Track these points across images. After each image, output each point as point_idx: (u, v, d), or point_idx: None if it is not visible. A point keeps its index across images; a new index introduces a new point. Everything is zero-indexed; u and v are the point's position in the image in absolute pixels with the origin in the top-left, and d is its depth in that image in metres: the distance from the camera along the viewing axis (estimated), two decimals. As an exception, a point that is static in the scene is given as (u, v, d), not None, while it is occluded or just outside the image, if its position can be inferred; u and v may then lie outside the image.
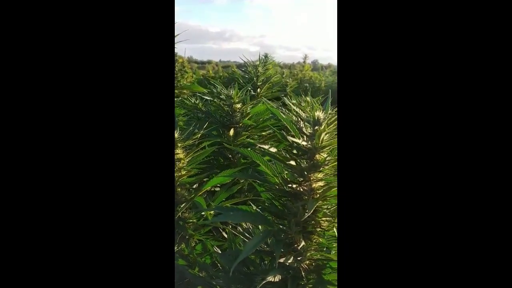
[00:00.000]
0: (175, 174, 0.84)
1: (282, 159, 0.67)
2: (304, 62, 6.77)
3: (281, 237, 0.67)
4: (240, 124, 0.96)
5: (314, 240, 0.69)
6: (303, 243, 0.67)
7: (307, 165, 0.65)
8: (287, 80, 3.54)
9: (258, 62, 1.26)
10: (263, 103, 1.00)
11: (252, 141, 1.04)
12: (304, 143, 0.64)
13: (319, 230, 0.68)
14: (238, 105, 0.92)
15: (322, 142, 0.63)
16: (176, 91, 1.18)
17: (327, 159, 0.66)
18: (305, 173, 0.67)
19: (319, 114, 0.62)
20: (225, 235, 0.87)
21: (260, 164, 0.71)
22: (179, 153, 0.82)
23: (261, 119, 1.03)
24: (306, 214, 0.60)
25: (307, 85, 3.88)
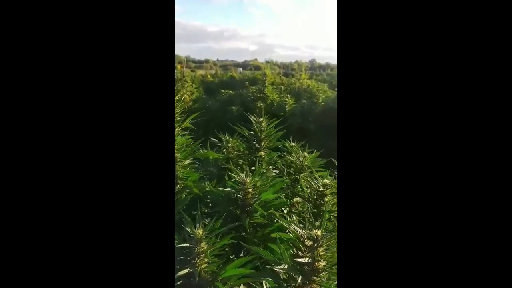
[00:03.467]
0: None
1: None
2: (302, 71, 6.82)
3: None
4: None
5: None
6: None
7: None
8: (286, 98, 3.62)
9: (262, 118, 1.36)
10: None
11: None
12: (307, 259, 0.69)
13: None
14: (251, 189, 0.92)
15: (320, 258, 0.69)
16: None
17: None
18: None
19: (318, 233, 0.69)
20: None
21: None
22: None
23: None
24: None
25: (305, 101, 3.96)
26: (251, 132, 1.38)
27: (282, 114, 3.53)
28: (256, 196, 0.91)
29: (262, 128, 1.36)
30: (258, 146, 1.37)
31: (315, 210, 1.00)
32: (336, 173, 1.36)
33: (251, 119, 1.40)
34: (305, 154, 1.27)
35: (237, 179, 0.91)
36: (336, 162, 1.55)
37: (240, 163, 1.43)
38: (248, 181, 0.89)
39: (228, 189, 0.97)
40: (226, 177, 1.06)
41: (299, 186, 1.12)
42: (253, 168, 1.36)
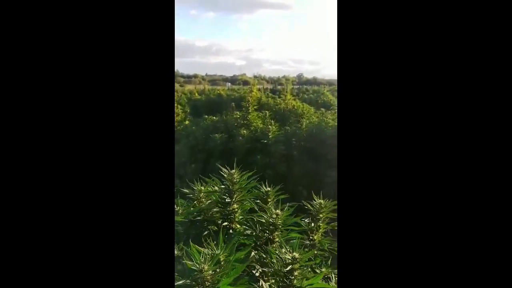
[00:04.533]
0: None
1: None
2: (286, 91, 6.89)
3: None
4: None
5: None
6: None
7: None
8: (269, 125, 3.60)
9: (234, 170, 1.31)
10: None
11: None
12: None
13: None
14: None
15: None
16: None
17: None
18: None
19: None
20: None
21: None
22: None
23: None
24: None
25: (288, 128, 3.95)
26: (222, 187, 1.33)
27: (265, 141, 3.50)
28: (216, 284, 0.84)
29: (235, 181, 1.31)
30: (230, 200, 1.31)
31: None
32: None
33: (223, 171, 1.35)
34: (278, 211, 1.22)
35: (195, 265, 0.84)
36: (307, 205, 1.53)
37: (215, 216, 1.36)
38: (206, 268, 0.83)
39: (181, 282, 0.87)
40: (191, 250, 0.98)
41: (269, 258, 1.06)
42: (225, 223, 1.30)
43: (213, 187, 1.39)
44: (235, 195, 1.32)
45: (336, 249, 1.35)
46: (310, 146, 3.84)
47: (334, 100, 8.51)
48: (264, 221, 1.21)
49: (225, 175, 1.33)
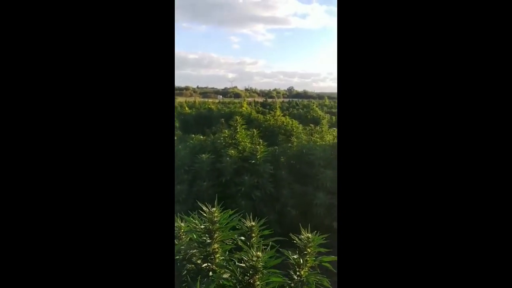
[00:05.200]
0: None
1: None
2: (276, 108, 6.94)
3: None
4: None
5: None
6: None
7: None
8: (257, 145, 3.58)
9: (214, 208, 1.27)
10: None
11: None
12: None
13: None
14: None
15: None
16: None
17: None
18: None
19: None
20: None
21: None
22: None
23: None
24: None
25: (277, 147, 3.94)
26: (202, 227, 1.28)
27: (253, 161, 3.47)
28: None
29: (215, 219, 1.26)
30: (210, 241, 1.26)
31: None
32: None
33: (203, 209, 1.30)
34: (259, 254, 1.18)
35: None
36: (294, 239, 1.49)
37: (195, 256, 1.30)
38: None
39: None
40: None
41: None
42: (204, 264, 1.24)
43: (194, 225, 1.34)
44: (216, 235, 1.27)
45: (323, 284, 1.32)
46: (299, 167, 3.83)
47: (323, 115, 8.61)
48: (244, 265, 1.17)
49: (205, 214, 1.29)
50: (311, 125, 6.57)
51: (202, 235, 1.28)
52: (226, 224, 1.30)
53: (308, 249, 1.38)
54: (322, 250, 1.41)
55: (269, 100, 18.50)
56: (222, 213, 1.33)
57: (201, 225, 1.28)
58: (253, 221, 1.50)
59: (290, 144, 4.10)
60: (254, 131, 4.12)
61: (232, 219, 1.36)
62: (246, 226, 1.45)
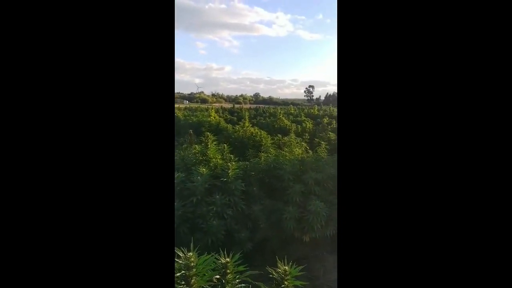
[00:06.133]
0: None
1: None
2: (245, 119, 7.00)
3: None
4: None
5: None
6: None
7: None
8: (228, 163, 3.59)
9: (191, 253, 1.26)
10: None
11: None
12: None
13: None
14: None
15: None
16: None
17: None
18: None
19: None
20: None
21: None
22: None
23: None
24: None
25: (248, 162, 3.98)
26: (178, 275, 1.27)
27: (224, 179, 3.47)
28: None
29: (191, 265, 1.26)
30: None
31: None
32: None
33: (179, 254, 1.30)
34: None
35: None
36: (271, 272, 1.53)
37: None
38: None
39: None
40: None
41: None
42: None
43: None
44: (193, 281, 1.27)
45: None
46: (269, 181, 3.91)
47: (289, 125, 8.85)
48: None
49: (180, 259, 1.28)
50: (279, 135, 6.73)
51: (178, 281, 1.27)
52: (202, 269, 1.31)
53: (286, 282, 1.43)
54: (299, 283, 1.46)
55: (236, 106, 18.50)
56: (198, 258, 1.33)
57: (177, 273, 1.27)
58: (227, 256, 1.52)
59: (259, 159, 4.17)
60: (225, 146, 4.12)
61: (208, 263, 1.36)
62: (221, 263, 1.46)
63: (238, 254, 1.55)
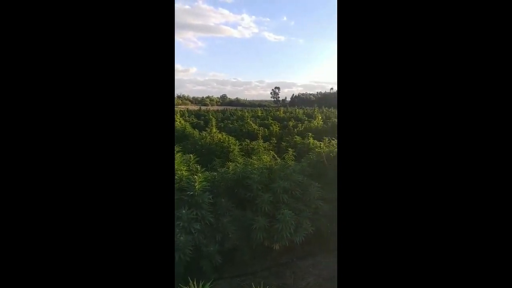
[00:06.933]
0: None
1: None
2: (212, 125, 6.89)
3: None
4: None
5: None
6: None
7: None
8: (195, 175, 3.49)
9: None
10: None
11: None
12: None
13: None
14: None
15: None
16: None
17: None
18: None
19: None
20: None
21: None
22: None
23: None
24: None
25: (216, 173, 3.90)
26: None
27: (191, 193, 3.36)
28: None
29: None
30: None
31: None
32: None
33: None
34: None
35: None
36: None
37: None
38: None
39: None
40: None
41: None
42: None
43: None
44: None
45: None
46: (237, 191, 3.86)
47: (257, 128, 8.89)
48: None
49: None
50: (247, 140, 6.72)
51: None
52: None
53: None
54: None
55: (203, 108, 18.15)
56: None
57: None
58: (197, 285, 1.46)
59: (227, 169, 4.11)
60: (191, 156, 4.00)
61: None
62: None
63: (209, 284, 1.50)
